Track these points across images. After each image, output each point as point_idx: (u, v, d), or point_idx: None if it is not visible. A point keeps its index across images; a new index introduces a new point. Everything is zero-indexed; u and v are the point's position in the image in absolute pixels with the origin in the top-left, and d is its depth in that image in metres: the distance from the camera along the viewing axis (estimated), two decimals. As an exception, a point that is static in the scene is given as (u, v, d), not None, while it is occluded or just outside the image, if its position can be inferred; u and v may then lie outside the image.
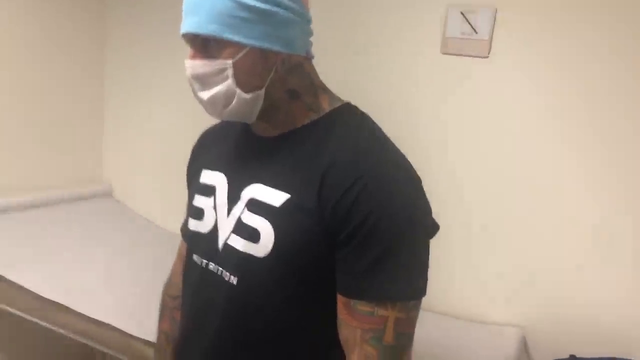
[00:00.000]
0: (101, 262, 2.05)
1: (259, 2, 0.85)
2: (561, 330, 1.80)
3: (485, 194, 1.89)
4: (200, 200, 1.03)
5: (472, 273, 1.93)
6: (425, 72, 1.93)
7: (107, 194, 2.65)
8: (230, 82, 0.88)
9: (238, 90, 0.89)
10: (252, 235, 0.90)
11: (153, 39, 2.46)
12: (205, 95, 0.90)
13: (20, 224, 2.14)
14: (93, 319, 1.69)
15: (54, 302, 1.75)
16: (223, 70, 0.88)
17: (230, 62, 0.87)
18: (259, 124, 0.97)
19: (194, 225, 1.04)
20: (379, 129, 0.96)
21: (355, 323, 0.84)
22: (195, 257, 1.02)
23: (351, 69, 2.05)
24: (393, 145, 0.94)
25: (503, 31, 1.81)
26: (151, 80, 2.49)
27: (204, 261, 0.99)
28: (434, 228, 0.92)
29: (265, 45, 0.87)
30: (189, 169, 1.14)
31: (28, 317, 1.83)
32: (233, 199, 0.95)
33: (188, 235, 1.07)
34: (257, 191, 0.92)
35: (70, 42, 2.40)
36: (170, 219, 2.44)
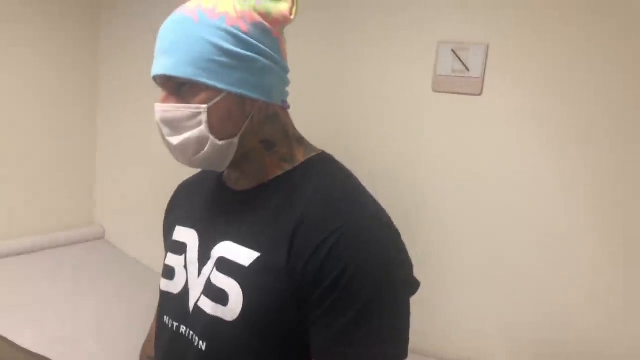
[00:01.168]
0: (92, 309, 2.00)
1: (240, 48, 0.83)
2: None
3: (481, 234, 1.84)
4: (171, 259, 0.98)
5: (465, 315, 1.87)
6: (417, 110, 1.90)
7: (100, 237, 2.61)
8: (203, 127, 0.84)
9: (211, 137, 0.84)
10: (220, 297, 0.84)
11: (146, 81, 2.45)
12: (175, 140, 0.86)
13: (10, 270, 2.10)
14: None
15: (38, 355, 1.69)
16: (196, 115, 0.84)
17: (204, 107, 0.83)
18: (231, 174, 0.94)
19: (164, 285, 0.99)
20: (353, 180, 0.92)
21: None
22: (165, 318, 0.97)
23: (340, 107, 2.03)
24: (368, 196, 0.89)
25: (495, 68, 1.78)
26: (144, 123, 2.47)
27: (175, 324, 0.93)
28: (414, 285, 0.86)
29: (243, 92, 0.84)
30: (164, 225, 1.10)
31: (12, 371, 1.77)
32: (204, 257, 0.91)
33: (160, 296, 1.01)
34: (227, 249, 0.87)
35: (62, 85, 2.40)
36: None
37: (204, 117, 0.83)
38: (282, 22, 0.86)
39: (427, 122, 1.89)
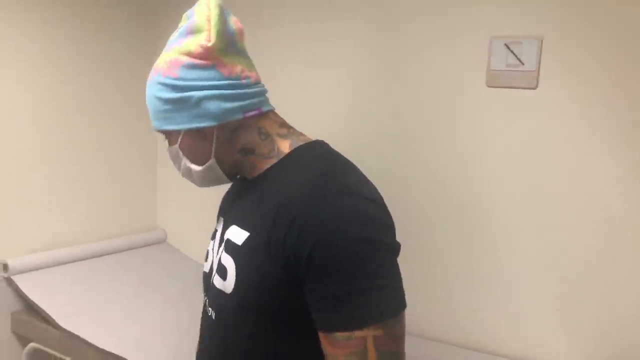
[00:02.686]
0: (157, 310, 2.08)
1: (174, 92, 0.97)
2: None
3: (540, 227, 1.80)
4: (210, 244, 1.14)
5: (529, 310, 1.84)
6: (471, 106, 1.89)
7: (162, 241, 2.70)
8: (184, 161, 1.05)
9: (193, 166, 1.05)
10: (223, 273, 0.98)
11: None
12: (180, 173, 1.10)
13: (78, 275, 2.20)
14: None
15: (110, 352, 1.78)
16: (177, 153, 1.05)
17: (176, 146, 1.04)
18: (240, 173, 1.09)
19: (204, 266, 1.15)
20: (335, 160, 0.99)
21: (337, 351, 0.85)
22: (204, 294, 1.14)
23: (393, 104, 2.03)
24: (349, 173, 0.96)
25: (550, 61, 1.75)
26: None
27: (205, 298, 1.12)
28: (391, 245, 0.91)
29: (192, 125, 0.98)
30: (217, 216, 1.25)
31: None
32: (221, 240, 1.05)
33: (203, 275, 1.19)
34: (232, 231, 1.00)
35: (123, 92, 2.50)
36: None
37: (180, 153, 1.05)
38: (204, 52, 0.95)
39: (482, 117, 1.87)
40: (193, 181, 1.08)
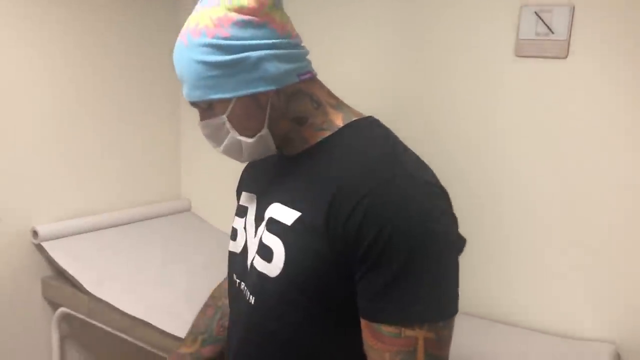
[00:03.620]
0: (182, 277, 2.12)
1: (225, 54, 0.86)
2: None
3: (570, 200, 1.78)
4: (236, 222, 1.07)
5: (556, 283, 1.83)
6: (500, 76, 1.85)
7: (186, 209, 2.73)
8: (232, 134, 0.93)
9: (242, 138, 0.93)
10: (267, 254, 0.91)
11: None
12: (220, 149, 0.97)
13: (105, 242, 2.25)
14: (174, 335, 1.74)
15: (136, 318, 1.82)
16: (222, 125, 0.93)
17: (224, 117, 0.91)
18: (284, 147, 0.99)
19: (231, 246, 1.08)
20: (393, 141, 0.92)
21: (382, 346, 0.79)
22: (233, 276, 1.06)
23: (420, 74, 2.00)
24: (409, 156, 0.89)
25: (581, 30, 1.70)
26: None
27: (237, 280, 1.03)
28: (459, 242, 0.87)
29: (248, 91, 0.88)
30: (237, 192, 1.18)
31: (116, 333, 1.92)
32: (259, 219, 0.98)
33: (228, 255, 1.12)
34: (275, 210, 0.92)
35: (146, 64, 2.50)
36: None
37: (227, 125, 0.92)
38: (258, 8, 0.87)
39: (511, 87, 1.83)
40: (237, 156, 0.97)
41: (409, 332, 0.77)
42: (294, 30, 0.93)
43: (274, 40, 0.88)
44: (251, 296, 0.95)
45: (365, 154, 0.86)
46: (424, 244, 0.78)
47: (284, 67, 0.89)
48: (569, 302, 1.81)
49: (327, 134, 0.92)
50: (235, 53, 0.86)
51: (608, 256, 1.73)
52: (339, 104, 0.96)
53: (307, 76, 0.93)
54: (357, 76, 2.13)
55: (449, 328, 0.81)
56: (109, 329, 1.94)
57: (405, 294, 0.78)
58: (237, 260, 1.04)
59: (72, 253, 2.11)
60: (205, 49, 0.87)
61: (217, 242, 2.50)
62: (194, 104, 0.95)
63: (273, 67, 0.87)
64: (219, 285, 1.34)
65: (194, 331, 1.29)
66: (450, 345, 0.82)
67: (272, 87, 0.89)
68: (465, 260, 1.91)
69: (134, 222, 2.45)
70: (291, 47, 0.91)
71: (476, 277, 1.93)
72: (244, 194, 1.09)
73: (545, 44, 1.74)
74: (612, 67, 1.67)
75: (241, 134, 0.92)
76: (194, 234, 2.56)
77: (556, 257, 1.82)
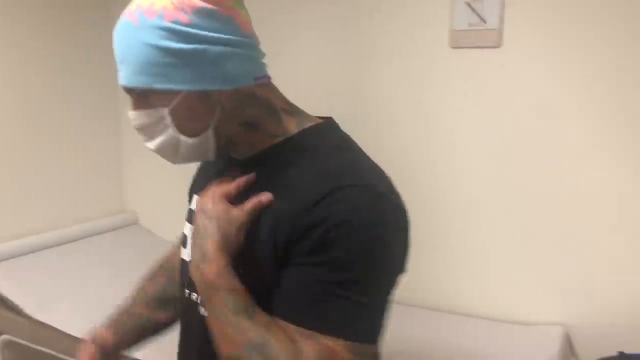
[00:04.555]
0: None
1: (184, 43, 0.77)
2: (607, 326, 1.70)
3: (512, 188, 1.80)
4: (186, 227, 0.99)
5: (511, 273, 1.85)
6: (436, 68, 1.86)
7: (132, 223, 2.65)
8: (171, 130, 0.82)
9: (182, 137, 0.83)
10: None
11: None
12: (152, 145, 0.85)
13: (47, 263, 2.16)
14: (123, 355, 1.68)
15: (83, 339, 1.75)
16: (160, 119, 0.82)
17: (166, 110, 0.81)
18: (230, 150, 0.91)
19: (181, 252, 1.00)
20: (349, 148, 0.85)
21: (301, 339, 0.73)
22: (184, 285, 0.97)
23: (356, 69, 2.00)
24: (365, 164, 0.83)
25: (513, 18, 1.72)
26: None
27: (187, 291, 0.94)
28: (396, 269, 0.81)
29: (200, 87, 0.79)
30: (188, 195, 1.08)
31: (61, 357, 1.83)
32: None
33: (180, 264, 1.03)
34: None
35: (84, 74, 2.43)
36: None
37: (168, 120, 0.82)
38: None
39: (447, 78, 1.85)
40: (170, 156, 0.87)
41: (324, 340, 0.72)
42: (254, 30, 0.86)
43: (236, 38, 0.80)
44: (202, 308, 0.87)
45: (316, 163, 0.80)
46: (364, 261, 0.74)
47: (242, 67, 0.81)
48: (517, 288, 1.84)
49: (279, 140, 0.86)
50: (194, 43, 0.77)
51: (553, 242, 1.77)
52: (293, 110, 0.89)
53: (263, 80, 0.86)
54: (297, 77, 2.11)
55: (372, 356, 0.75)
56: (54, 354, 1.85)
57: (331, 306, 0.73)
58: (186, 268, 0.95)
59: (11, 276, 2.02)
60: (160, 32, 0.77)
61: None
62: (130, 90, 0.83)
63: (231, 66, 0.80)
64: (167, 258, 1.22)
65: (144, 296, 1.19)
66: None
67: (227, 87, 0.80)
68: (414, 255, 1.92)
69: (76, 240, 2.36)
70: (251, 48, 0.84)
71: (425, 270, 1.94)
72: (195, 197, 0.99)
73: (478, 34, 1.76)
74: (544, 54, 1.70)
75: (181, 132, 0.82)
76: (141, 248, 2.48)
77: (501, 245, 1.84)
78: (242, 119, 0.85)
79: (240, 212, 0.80)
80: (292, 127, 0.86)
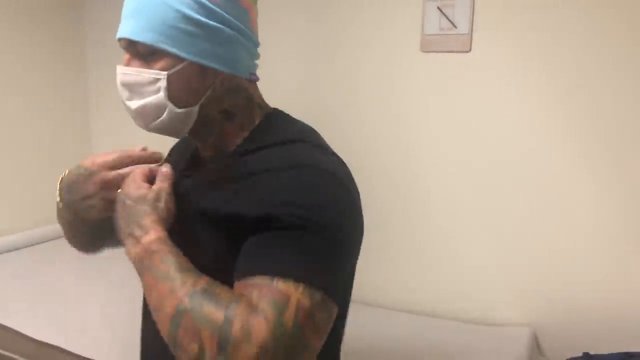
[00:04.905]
0: (98, 295, 2.01)
1: (206, 16, 0.81)
2: (573, 327, 1.73)
3: (478, 189, 1.83)
4: None
5: (475, 273, 1.87)
6: (406, 72, 1.88)
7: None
8: (162, 95, 0.84)
9: (170, 105, 0.84)
10: None
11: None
12: (133, 104, 0.86)
13: (15, 263, 2.11)
14: (87, 358, 1.64)
15: (47, 343, 1.71)
16: (156, 81, 0.83)
17: (165, 74, 0.83)
18: (195, 141, 0.94)
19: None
20: (307, 141, 0.88)
21: (250, 289, 0.71)
22: None
23: (328, 72, 2.00)
24: (321, 152, 0.87)
25: (483, 23, 1.75)
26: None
27: None
28: (357, 239, 0.84)
29: (206, 62, 0.83)
30: None
31: (24, 361, 1.79)
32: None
33: None
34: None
35: (50, 74, 2.38)
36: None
37: (163, 83, 0.83)
38: None
39: (417, 82, 1.87)
40: (146, 120, 0.86)
41: (281, 285, 0.70)
42: (257, 31, 0.91)
43: (247, 30, 0.86)
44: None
45: (281, 166, 0.82)
46: (322, 218, 0.76)
47: (244, 57, 0.87)
48: (485, 290, 1.86)
49: (245, 134, 0.90)
50: (214, 20, 0.82)
51: (521, 244, 1.79)
52: (262, 105, 0.94)
53: (253, 78, 0.91)
54: (266, 76, 2.10)
55: (327, 312, 0.73)
56: (16, 357, 1.80)
57: (285, 252, 0.73)
58: None
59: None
60: (188, 1, 0.81)
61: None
62: (131, 44, 0.84)
63: (237, 53, 0.85)
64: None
65: None
66: (323, 337, 0.73)
67: (227, 70, 0.85)
68: (382, 254, 1.93)
69: (44, 241, 2.31)
70: (254, 45, 0.89)
71: (391, 271, 1.95)
72: None
73: (449, 38, 1.78)
74: (513, 59, 1.73)
75: (170, 100, 0.84)
76: (109, 250, 2.43)
77: (470, 246, 1.86)
78: (224, 105, 0.88)
79: (159, 184, 0.84)
80: (257, 119, 0.91)
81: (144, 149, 0.93)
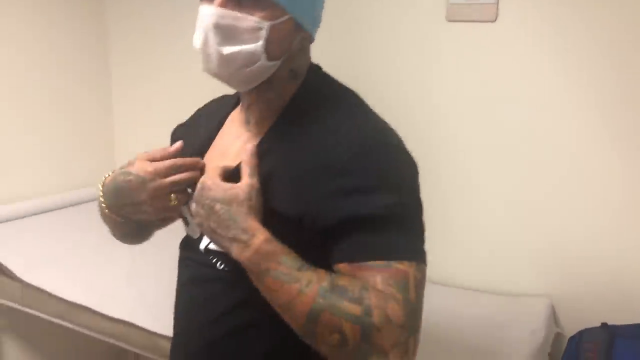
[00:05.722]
0: (123, 259, 2.05)
1: None
2: (591, 298, 1.75)
3: (501, 161, 1.83)
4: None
5: (495, 244, 1.88)
6: (432, 42, 1.87)
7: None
8: (260, 44, 0.81)
9: (263, 56, 0.82)
10: None
11: (156, 34, 2.44)
12: (227, 50, 0.82)
13: (36, 228, 2.15)
14: (115, 318, 1.69)
15: (76, 304, 1.76)
16: (257, 30, 0.81)
17: (268, 24, 0.81)
18: (246, 99, 0.92)
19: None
20: (362, 108, 0.93)
21: (371, 272, 0.74)
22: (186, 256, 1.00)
23: (353, 43, 1.99)
24: (386, 130, 0.90)
25: (509, -8, 1.73)
26: (158, 77, 2.47)
27: (209, 258, 0.94)
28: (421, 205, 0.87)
29: (303, 19, 0.84)
30: (171, 141, 1.09)
31: (53, 320, 1.84)
32: None
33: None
34: None
35: (74, 45, 2.40)
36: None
37: (264, 34, 0.81)
38: None
39: (443, 52, 1.86)
40: (233, 69, 0.83)
41: (397, 265, 0.75)
42: None
43: None
44: (221, 263, 0.89)
45: (337, 118, 0.85)
46: (409, 197, 0.82)
47: (319, 20, 0.89)
48: (504, 261, 1.88)
49: (294, 89, 0.90)
50: None
51: (541, 213, 1.80)
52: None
53: (313, 41, 0.93)
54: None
55: (425, 277, 0.80)
56: (45, 317, 1.86)
57: (390, 235, 0.77)
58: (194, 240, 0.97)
59: (3, 240, 2.01)
60: None
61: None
62: None
63: (320, 14, 0.89)
64: None
65: None
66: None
67: (310, 31, 0.88)
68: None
69: (66, 207, 2.35)
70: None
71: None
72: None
73: (474, 7, 1.77)
74: (539, 29, 1.71)
75: (265, 51, 0.82)
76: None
77: (487, 216, 1.87)
78: (292, 64, 0.89)
79: (248, 181, 0.81)
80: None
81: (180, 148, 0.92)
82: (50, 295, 1.80)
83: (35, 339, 2.29)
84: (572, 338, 1.65)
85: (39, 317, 1.88)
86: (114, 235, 1.11)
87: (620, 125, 1.66)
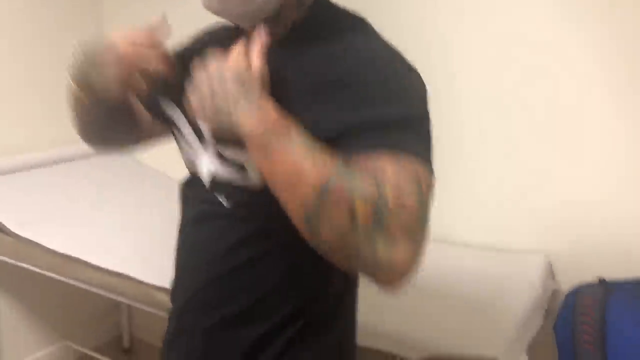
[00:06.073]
0: (118, 214, 2.04)
1: None
2: (588, 253, 1.74)
3: (502, 113, 1.81)
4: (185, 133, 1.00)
5: (491, 200, 1.87)
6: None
7: (117, 149, 2.61)
8: None
9: None
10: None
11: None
12: None
13: (28, 183, 2.13)
14: (109, 270, 1.68)
15: (70, 256, 1.74)
16: None
17: None
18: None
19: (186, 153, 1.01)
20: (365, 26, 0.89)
21: (382, 163, 0.71)
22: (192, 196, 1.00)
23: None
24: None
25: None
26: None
27: (214, 194, 0.92)
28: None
29: None
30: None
31: (47, 274, 1.83)
32: None
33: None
34: None
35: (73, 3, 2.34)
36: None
37: None
38: None
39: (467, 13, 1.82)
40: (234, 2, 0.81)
41: (407, 160, 0.72)
42: None
43: None
44: (223, 198, 0.88)
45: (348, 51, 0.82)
46: (418, 109, 0.80)
47: None
48: (498, 216, 1.86)
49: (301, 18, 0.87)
50: None
51: (537, 170, 1.78)
52: None
53: None
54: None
55: (433, 186, 0.77)
56: (38, 270, 1.85)
57: (398, 134, 0.75)
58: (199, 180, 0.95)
59: (-7, 194, 1.98)
60: None
61: (153, 182, 2.42)
62: None
63: None
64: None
65: None
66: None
67: None
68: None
69: (60, 162, 2.32)
70: None
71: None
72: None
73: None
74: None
75: None
76: (126, 172, 2.45)
77: (486, 173, 1.85)
78: None
79: (259, 63, 0.78)
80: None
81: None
82: (43, 248, 1.78)
83: (28, 293, 2.28)
84: (568, 295, 1.64)
85: (32, 271, 1.87)
86: (78, 129, 1.14)
87: (621, 84, 1.64)
